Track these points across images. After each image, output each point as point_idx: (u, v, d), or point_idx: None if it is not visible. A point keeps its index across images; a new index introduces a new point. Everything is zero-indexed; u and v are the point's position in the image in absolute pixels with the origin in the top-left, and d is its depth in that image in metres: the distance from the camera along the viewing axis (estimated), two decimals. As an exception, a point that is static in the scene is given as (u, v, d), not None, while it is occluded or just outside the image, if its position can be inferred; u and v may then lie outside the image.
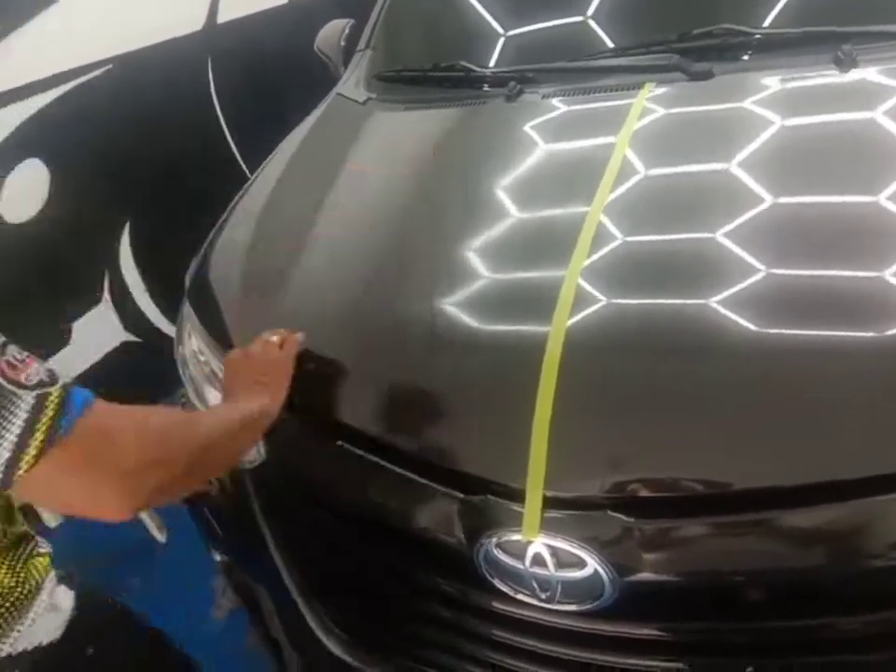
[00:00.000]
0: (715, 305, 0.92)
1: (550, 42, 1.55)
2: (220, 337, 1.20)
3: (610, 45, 1.46)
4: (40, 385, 0.62)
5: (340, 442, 0.98)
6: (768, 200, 1.04)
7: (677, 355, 0.90)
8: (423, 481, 0.90)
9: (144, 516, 2.13)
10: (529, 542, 0.83)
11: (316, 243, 1.27)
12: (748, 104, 1.25)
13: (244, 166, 2.95)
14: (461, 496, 0.87)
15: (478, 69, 1.51)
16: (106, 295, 2.53)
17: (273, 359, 0.98)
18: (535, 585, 0.85)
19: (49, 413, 0.62)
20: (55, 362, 2.34)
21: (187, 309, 1.32)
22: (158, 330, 2.71)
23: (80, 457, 0.63)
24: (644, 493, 0.81)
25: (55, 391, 0.63)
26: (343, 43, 1.88)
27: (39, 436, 0.61)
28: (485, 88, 1.51)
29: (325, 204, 1.35)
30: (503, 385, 0.92)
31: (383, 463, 0.94)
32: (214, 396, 1.22)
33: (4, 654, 0.75)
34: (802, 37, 1.31)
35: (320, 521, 1.08)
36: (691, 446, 0.83)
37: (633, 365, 0.90)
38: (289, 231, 1.32)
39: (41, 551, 0.83)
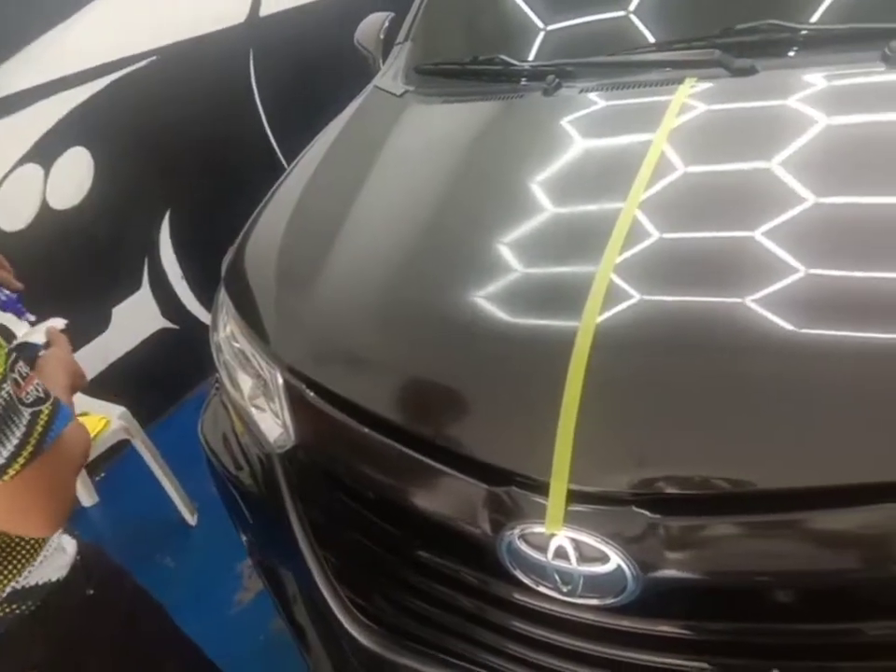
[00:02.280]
0: (747, 304, 0.90)
1: (589, 37, 1.54)
2: (255, 324, 1.22)
3: (651, 39, 1.45)
4: (36, 402, 0.71)
5: (367, 430, 0.99)
6: (808, 199, 1.02)
7: (707, 352, 0.89)
8: (448, 470, 0.91)
9: (175, 498, 2.18)
10: (552, 535, 0.83)
11: (351, 233, 1.28)
12: (791, 101, 1.22)
13: (281, 157, 2.99)
14: (486, 486, 0.88)
15: (516, 63, 1.51)
16: (146, 282, 2.59)
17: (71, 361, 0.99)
18: (557, 578, 0.85)
19: (39, 429, 0.71)
20: (95, 346, 2.41)
21: (223, 296, 1.35)
22: (194, 318, 2.76)
23: (52, 465, 0.72)
24: (670, 490, 0.81)
25: (46, 409, 0.72)
26: (382, 36, 1.89)
27: (31, 446, 0.70)
28: (523, 82, 1.50)
29: (360, 195, 1.36)
30: (530, 378, 0.92)
31: (409, 451, 0.95)
32: (246, 381, 1.24)
33: (19, 587, 0.85)
34: (848, 34, 1.28)
35: (346, 507, 1.10)
36: (718, 444, 0.82)
37: (662, 361, 0.89)
38: (325, 220, 1.33)
39: None
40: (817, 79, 1.25)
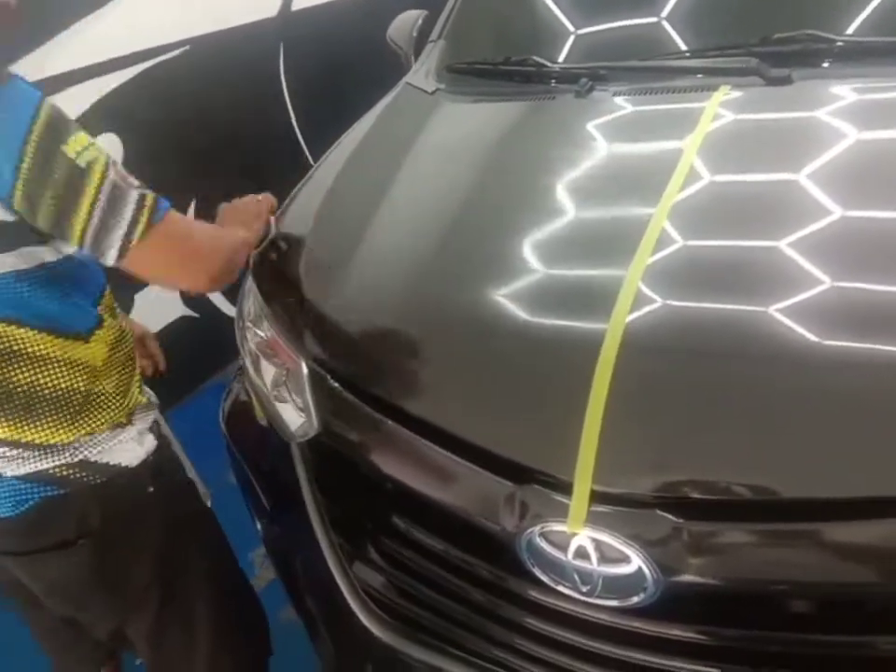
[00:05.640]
0: (775, 313, 0.90)
1: (624, 40, 1.54)
2: (281, 313, 1.23)
3: (686, 46, 1.44)
4: (141, 186, 0.87)
5: (390, 422, 1.00)
6: (839, 212, 1.01)
7: (735, 359, 0.89)
8: (471, 465, 0.91)
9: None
10: (574, 534, 0.83)
11: (380, 228, 1.29)
12: (826, 112, 1.22)
13: (306, 150, 3.00)
14: (509, 483, 0.88)
15: (549, 64, 1.51)
16: (169, 269, 2.61)
17: (251, 208, 1.25)
18: (576, 578, 0.85)
19: (149, 203, 0.86)
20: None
21: (250, 284, 1.36)
22: (214, 307, 2.78)
23: (172, 237, 0.90)
24: (694, 494, 0.81)
25: (150, 193, 0.87)
26: (415, 34, 1.89)
27: (145, 216, 0.85)
28: (556, 83, 1.50)
29: (389, 190, 1.37)
30: (557, 377, 0.92)
31: (432, 445, 0.95)
32: (270, 369, 1.25)
33: (91, 460, 0.96)
34: (886, 47, 1.27)
35: (365, 498, 1.10)
36: (744, 451, 0.81)
37: (689, 366, 0.90)
38: (353, 214, 1.34)
39: (143, 391, 1.08)
40: (852, 91, 1.25)
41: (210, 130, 2.62)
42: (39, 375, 0.92)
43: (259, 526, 1.43)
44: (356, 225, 1.30)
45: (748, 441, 0.82)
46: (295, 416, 1.18)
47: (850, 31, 1.33)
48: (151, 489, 1.03)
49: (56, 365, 0.92)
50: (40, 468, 0.93)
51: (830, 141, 1.15)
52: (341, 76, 2.96)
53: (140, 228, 0.84)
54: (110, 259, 0.85)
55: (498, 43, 1.75)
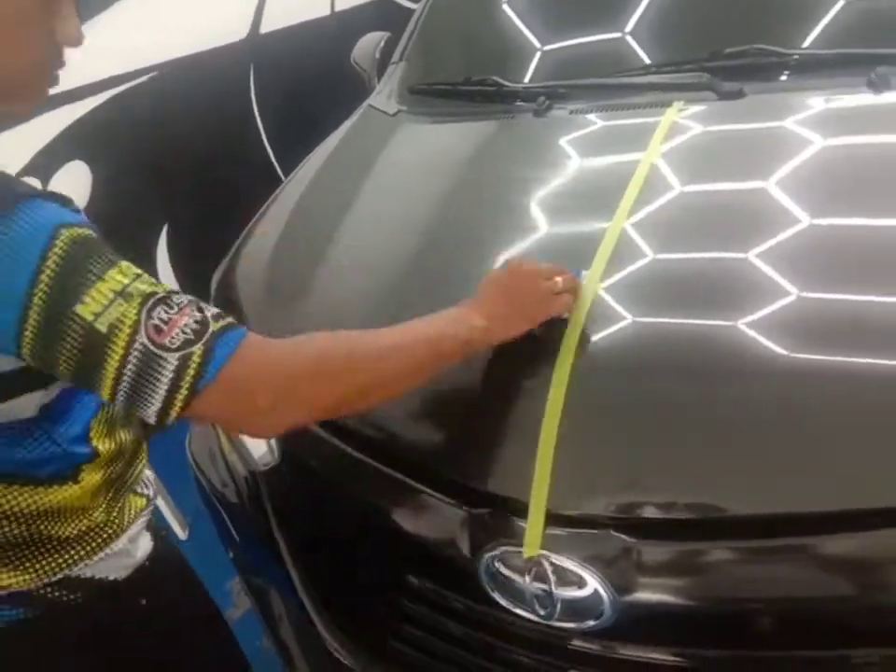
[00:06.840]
0: (727, 329, 0.91)
1: (581, 59, 1.56)
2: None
3: (641, 62, 1.46)
4: (185, 344, 0.66)
5: (350, 450, 0.99)
6: (793, 221, 1.02)
7: (687, 376, 0.89)
8: (429, 492, 0.91)
9: (166, 512, 2.17)
10: (531, 558, 0.83)
11: (341, 251, 1.29)
12: (778, 124, 1.23)
13: (280, 173, 3.01)
14: (465, 508, 0.88)
15: (508, 84, 1.52)
16: (142, 295, 2.59)
17: (531, 289, 0.92)
18: (534, 601, 0.84)
19: (191, 372, 0.65)
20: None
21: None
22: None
23: (223, 400, 0.68)
24: (648, 514, 0.81)
25: (197, 350, 0.66)
26: (377, 55, 1.91)
27: (184, 391, 0.66)
28: (515, 103, 1.51)
29: (351, 214, 1.37)
30: (511, 400, 0.92)
31: (390, 472, 0.95)
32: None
33: (73, 576, 0.80)
34: (835, 59, 1.29)
35: (328, 526, 1.10)
36: (697, 469, 0.82)
37: (642, 385, 0.90)
38: (315, 237, 1.34)
39: (140, 491, 0.88)
40: (803, 103, 1.26)
41: (181, 155, 2.62)
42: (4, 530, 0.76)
43: (230, 555, 1.41)
44: (317, 249, 1.30)
45: (699, 459, 0.82)
46: (258, 445, 1.17)
47: (800, 44, 1.35)
48: (145, 601, 0.86)
49: (21, 518, 0.76)
50: (12, 591, 0.78)
51: (783, 152, 1.16)
52: (311, 96, 2.97)
53: (180, 398, 0.66)
54: (150, 420, 0.68)
55: (459, 63, 1.76)
